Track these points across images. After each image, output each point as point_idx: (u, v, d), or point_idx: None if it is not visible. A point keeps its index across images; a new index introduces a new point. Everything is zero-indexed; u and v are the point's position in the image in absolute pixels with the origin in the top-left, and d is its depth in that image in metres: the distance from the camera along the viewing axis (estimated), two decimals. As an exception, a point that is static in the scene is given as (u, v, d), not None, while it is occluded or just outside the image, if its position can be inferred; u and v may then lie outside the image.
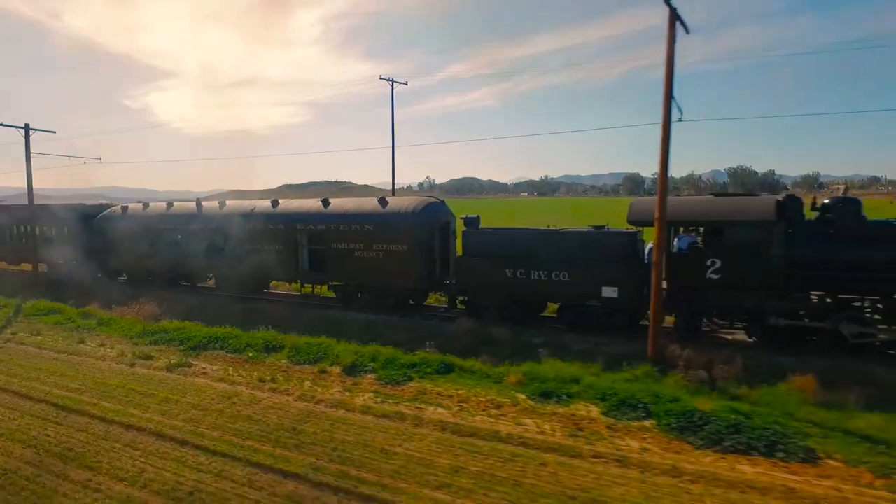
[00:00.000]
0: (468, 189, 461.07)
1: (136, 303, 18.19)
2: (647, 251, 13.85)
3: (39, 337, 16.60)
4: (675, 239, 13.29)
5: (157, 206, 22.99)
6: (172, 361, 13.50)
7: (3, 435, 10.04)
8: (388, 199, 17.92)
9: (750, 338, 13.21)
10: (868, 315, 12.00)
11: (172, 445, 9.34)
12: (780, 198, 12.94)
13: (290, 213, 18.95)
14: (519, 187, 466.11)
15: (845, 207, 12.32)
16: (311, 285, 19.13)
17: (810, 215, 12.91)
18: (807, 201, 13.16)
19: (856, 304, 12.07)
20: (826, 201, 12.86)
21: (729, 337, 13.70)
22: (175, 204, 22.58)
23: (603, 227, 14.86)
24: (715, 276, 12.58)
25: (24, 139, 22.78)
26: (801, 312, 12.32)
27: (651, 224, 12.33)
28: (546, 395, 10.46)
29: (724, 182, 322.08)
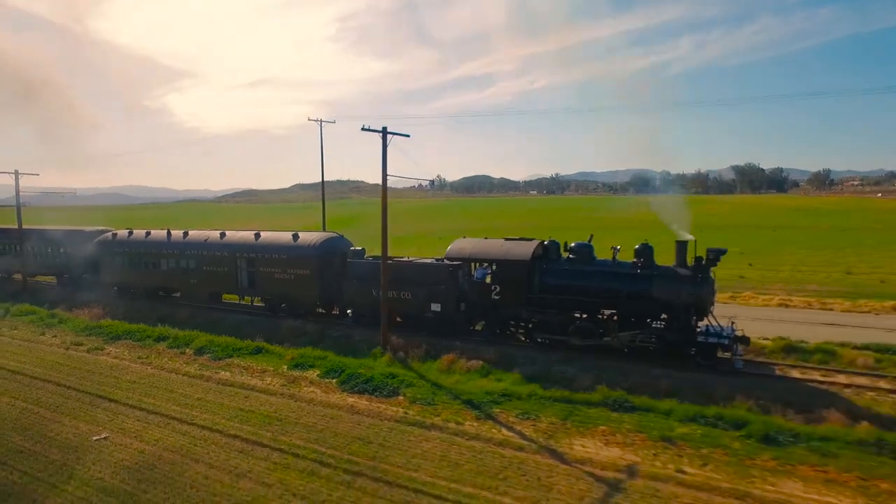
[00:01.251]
0: (478, 187, 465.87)
1: (88, 307, 25.43)
2: (476, 273, 18.86)
3: (15, 330, 23.88)
4: (476, 270, 18.95)
5: (139, 233, 29.02)
6: (93, 347, 20.58)
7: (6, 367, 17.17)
8: (299, 234, 23.66)
9: (525, 340, 18.44)
10: (591, 326, 17.10)
11: (65, 390, 16.31)
12: (541, 242, 18.45)
13: (233, 242, 25.03)
14: (529, 185, 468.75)
15: (580, 250, 17.87)
16: (248, 297, 25.60)
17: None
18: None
19: (581, 318, 17.32)
20: (572, 245, 18.24)
21: (524, 339, 18.79)
22: (152, 232, 28.61)
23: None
24: (497, 297, 18.41)
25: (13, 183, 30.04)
26: (551, 324, 17.59)
27: (461, 261, 18.76)
28: (299, 366, 17.21)
29: (732, 179, 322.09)
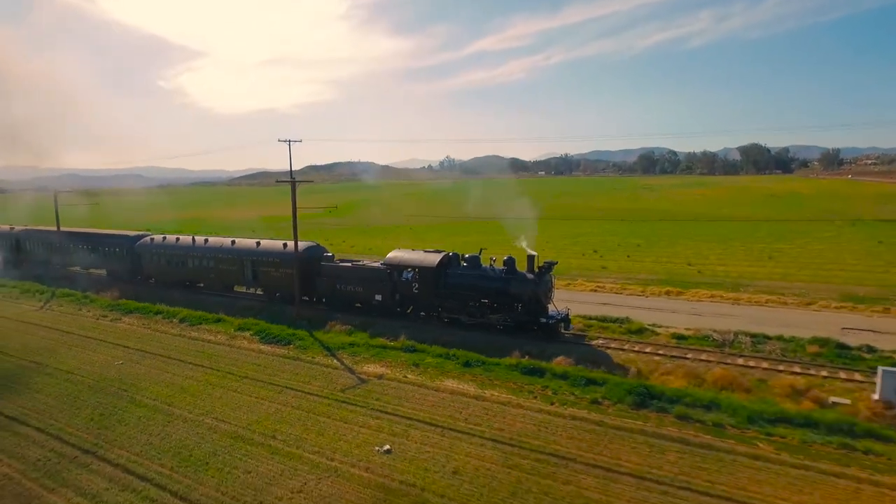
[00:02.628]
0: (488, 168, 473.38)
1: (109, 290, 36.53)
2: (404, 275, 27.83)
3: (61, 307, 35.00)
4: (404, 273, 27.82)
5: (171, 238, 38.05)
6: (114, 318, 31.56)
7: (47, 326, 28.13)
8: (287, 243, 32.52)
9: (446, 320, 26.92)
10: (476, 310, 25.57)
11: (96, 342, 27.17)
12: (446, 253, 27.20)
13: (241, 248, 34.06)
14: (538, 165, 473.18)
15: (471, 259, 26.75)
16: (252, 289, 35.38)
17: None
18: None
19: (471, 304, 26.14)
20: (466, 256, 27.28)
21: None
22: (181, 238, 37.59)
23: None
24: (416, 291, 27.78)
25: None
26: (452, 309, 26.26)
27: (395, 266, 27.69)
28: (240, 329, 27.88)
29: (736, 160, 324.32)
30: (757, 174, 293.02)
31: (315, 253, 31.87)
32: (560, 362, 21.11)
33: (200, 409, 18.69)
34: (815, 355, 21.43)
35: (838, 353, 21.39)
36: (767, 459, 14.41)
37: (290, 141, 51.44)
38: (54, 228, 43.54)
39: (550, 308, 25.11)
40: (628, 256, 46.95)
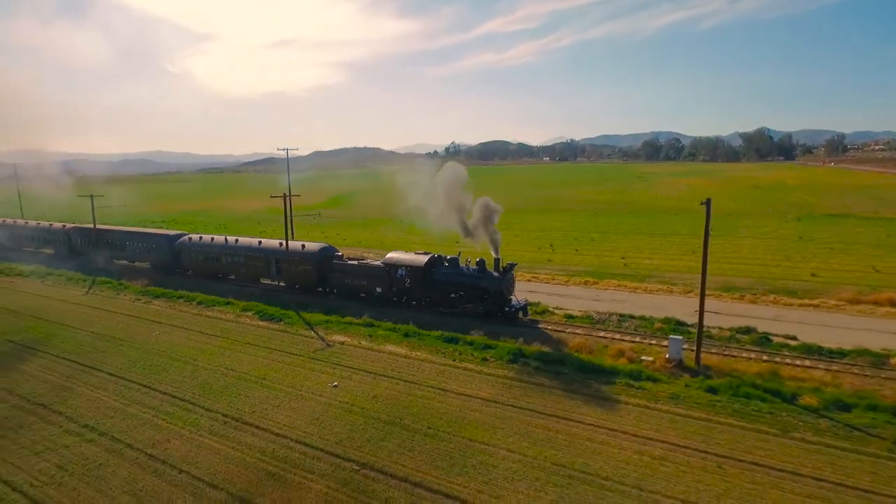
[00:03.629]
0: (493, 153, 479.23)
1: (139, 279, 45.61)
2: (399, 272, 36.89)
3: (102, 293, 44.07)
4: (399, 270, 35.83)
5: (206, 237, 47.39)
6: (146, 301, 40.58)
7: (95, 307, 37.15)
8: (306, 244, 41.51)
9: (438, 308, 35.42)
10: (454, 301, 34.30)
11: (136, 319, 36.15)
12: (432, 255, 35.13)
13: (266, 248, 42.39)
14: (543, 151, 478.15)
15: (452, 260, 34.67)
16: (276, 281, 43.74)
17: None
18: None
19: (451, 296, 34.73)
20: (448, 257, 35.47)
21: (426, 307, 39.14)
22: (215, 238, 46.88)
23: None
24: (408, 286, 35.88)
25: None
26: (436, 300, 34.62)
27: (392, 265, 35.75)
28: (245, 310, 36.74)
29: (739, 146, 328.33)
30: (759, 161, 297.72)
31: (328, 252, 40.16)
32: (475, 335, 29.71)
33: (216, 363, 27.54)
34: (658, 330, 29.88)
35: (675, 329, 29.80)
36: (577, 392, 22.97)
37: (287, 149, 60.17)
38: (105, 227, 53.92)
39: (512, 299, 33.11)
40: (577, 250, 55.27)
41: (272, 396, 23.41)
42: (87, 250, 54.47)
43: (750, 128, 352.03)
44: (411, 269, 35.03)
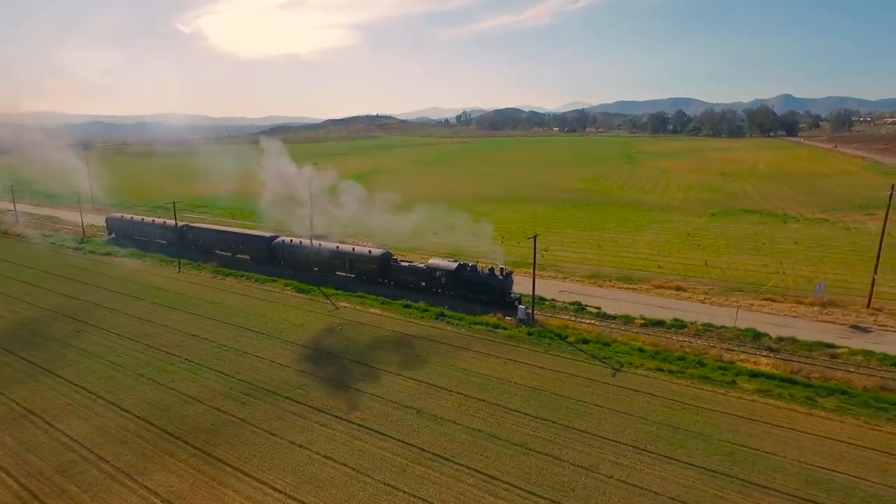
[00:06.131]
0: (503, 123, 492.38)
1: (211, 262, 69.25)
2: (437, 273, 59.56)
3: (188, 273, 67.60)
4: (437, 272, 56.92)
5: (296, 240, 67.79)
6: (219, 279, 64.11)
7: (187, 281, 60.60)
8: (372, 249, 63.42)
9: (449, 293, 60.03)
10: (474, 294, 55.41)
11: (212, 290, 59.51)
12: (460, 262, 56.89)
13: (342, 251, 61.62)
14: (554, 120, 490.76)
15: (473, 267, 56.32)
16: (349, 274, 65.29)
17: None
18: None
19: (471, 291, 57.64)
20: (470, 264, 57.44)
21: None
22: (303, 241, 68.41)
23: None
24: (444, 282, 56.10)
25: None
26: (464, 293, 54.87)
27: (434, 268, 60.48)
28: (287, 286, 59.93)
29: (742, 121, 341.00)
30: (761, 137, 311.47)
31: (387, 256, 59.87)
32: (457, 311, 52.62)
33: (267, 316, 50.68)
34: (527, 303, 52.34)
35: (538, 302, 52.21)
36: (476, 335, 45.73)
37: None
38: (211, 226, 78.33)
39: (511, 294, 52.87)
40: (518, 243, 76.99)
41: (302, 329, 46.63)
42: (197, 244, 75.71)
43: (773, 94, 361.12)
44: (446, 272, 54.45)
